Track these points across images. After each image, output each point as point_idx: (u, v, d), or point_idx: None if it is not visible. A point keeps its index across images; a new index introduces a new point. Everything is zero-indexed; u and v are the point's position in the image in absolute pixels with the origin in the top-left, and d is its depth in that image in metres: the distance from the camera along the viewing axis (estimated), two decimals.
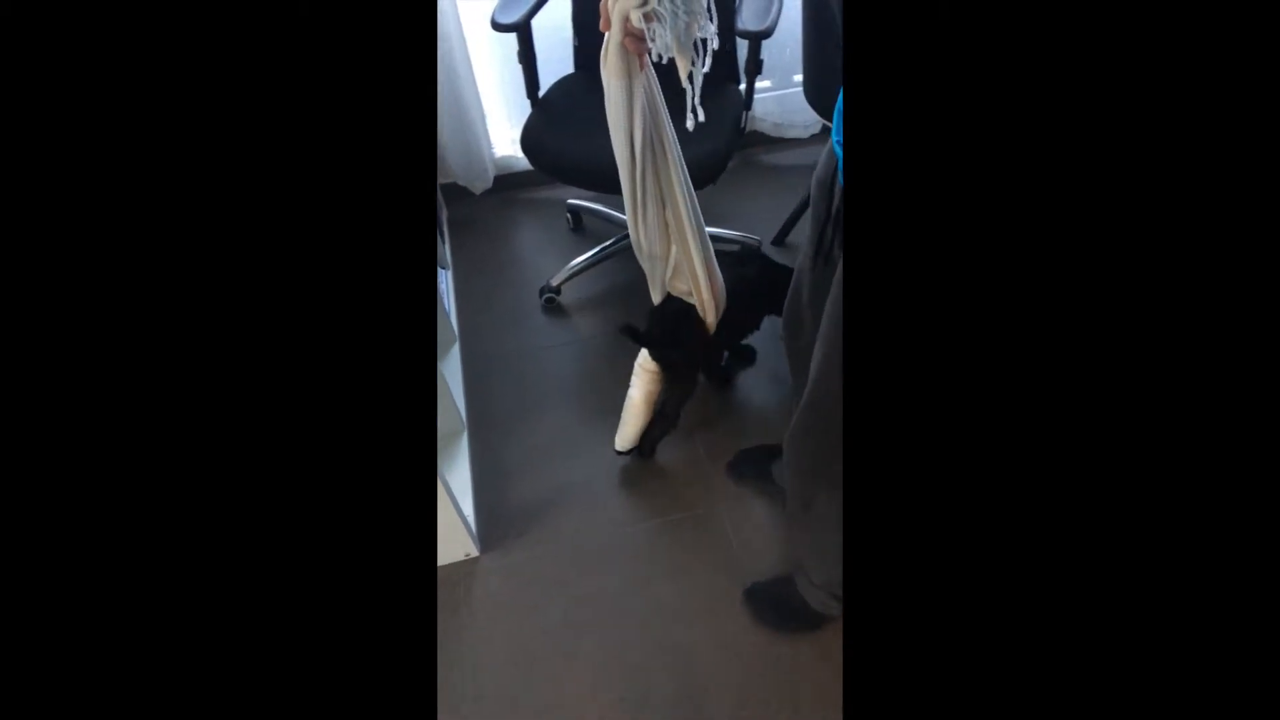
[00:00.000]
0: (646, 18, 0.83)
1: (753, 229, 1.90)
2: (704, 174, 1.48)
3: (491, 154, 2.07)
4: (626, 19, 0.84)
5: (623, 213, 1.93)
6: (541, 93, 1.65)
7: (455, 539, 1.32)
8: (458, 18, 1.75)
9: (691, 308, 1.27)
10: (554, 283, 1.80)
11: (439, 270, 1.78)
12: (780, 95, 2.16)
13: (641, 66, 0.91)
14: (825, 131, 2.22)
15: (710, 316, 1.27)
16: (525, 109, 1.63)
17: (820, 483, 0.97)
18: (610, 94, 0.93)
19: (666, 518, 1.41)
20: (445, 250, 1.94)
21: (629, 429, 1.46)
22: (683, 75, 0.91)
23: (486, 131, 2.02)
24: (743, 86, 1.60)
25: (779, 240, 1.92)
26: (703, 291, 1.22)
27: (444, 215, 2.03)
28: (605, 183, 1.54)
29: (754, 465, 1.45)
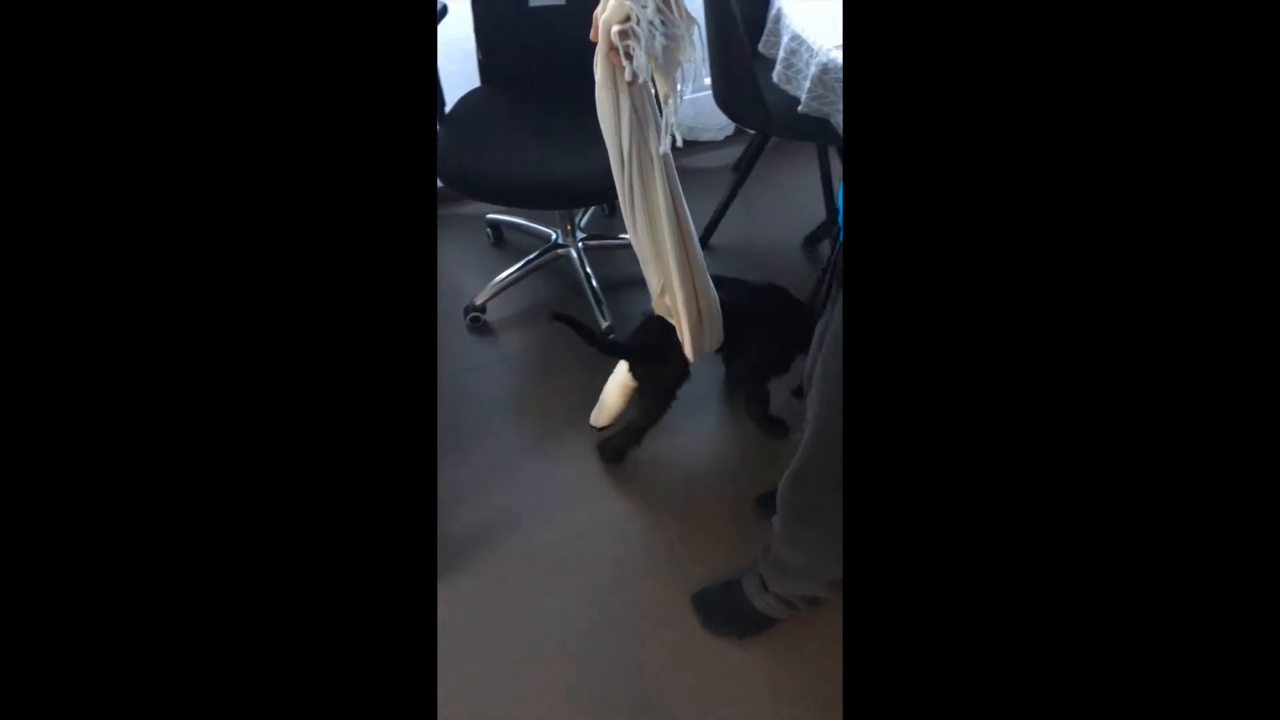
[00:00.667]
0: (623, 34, 0.83)
1: None
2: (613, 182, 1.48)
3: None
4: (610, 32, 0.84)
5: (544, 225, 1.92)
6: (447, 109, 1.61)
7: None
8: None
9: (672, 330, 1.21)
10: (478, 301, 1.76)
11: None
12: (693, 99, 2.17)
13: (625, 82, 0.90)
14: (739, 134, 2.25)
15: (689, 344, 1.20)
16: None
17: (806, 525, 1.00)
18: (598, 103, 0.93)
19: (610, 532, 1.39)
20: None
21: (605, 409, 1.45)
22: (661, 96, 0.92)
23: None
24: None
25: (703, 241, 1.94)
26: (683, 317, 1.16)
27: None
28: (524, 198, 1.52)
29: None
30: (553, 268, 1.86)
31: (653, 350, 1.29)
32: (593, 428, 1.51)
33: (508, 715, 1.17)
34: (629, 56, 0.84)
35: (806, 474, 0.94)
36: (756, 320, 1.29)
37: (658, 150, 0.95)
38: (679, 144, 0.93)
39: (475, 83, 1.71)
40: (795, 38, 1.35)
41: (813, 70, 1.30)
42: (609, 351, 1.39)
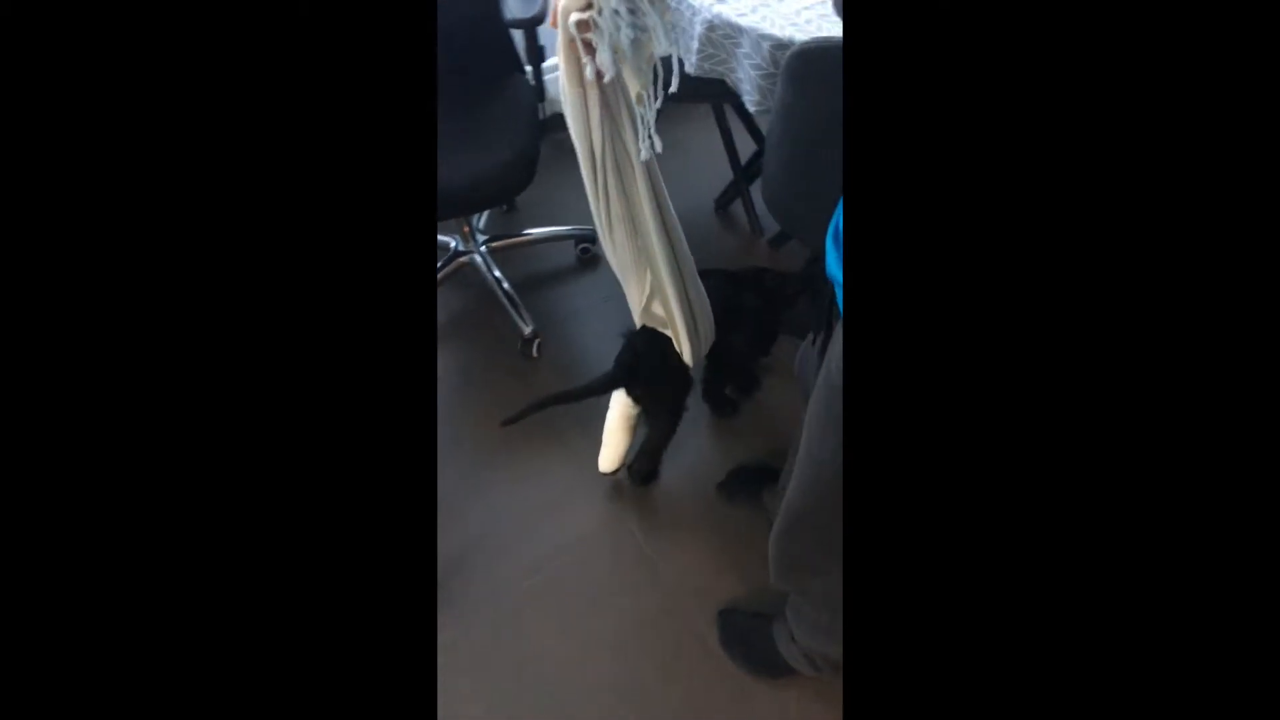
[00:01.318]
0: (582, 25, 0.68)
1: (584, 219, 1.80)
2: (517, 178, 1.37)
3: None
4: (569, 21, 0.70)
5: (441, 234, 1.78)
6: None
7: None
8: None
9: (667, 340, 1.12)
10: None
11: None
12: None
13: (588, 79, 0.75)
14: None
15: (688, 351, 1.12)
16: None
17: (805, 574, 0.94)
18: (564, 101, 0.78)
19: (576, 553, 1.31)
20: None
21: (609, 450, 1.34)
22: (633, 96, 0.77)
23: None
24: (530, 75, 1.48)
25: None
26: (678, 324, 1.08)
27: None
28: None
29: (746, 485, 1.35)
30: (458, 277, 1.73)
31: (648, 367, 1.18)
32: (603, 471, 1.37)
33: None
34: (591, 50, 0.70)
35: (799, 530, 0.87)
36: (740, 310, 1.21)
37: (638, 156, 0.82)
38: (658, 149, 0.80)
39: None
40: None
41: (698, 29, 1.21)
42: (601, 390, 1.25)
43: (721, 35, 1.19)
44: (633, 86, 0.76)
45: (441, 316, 1.70)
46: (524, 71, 1.53)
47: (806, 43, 0.99)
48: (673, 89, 0.76)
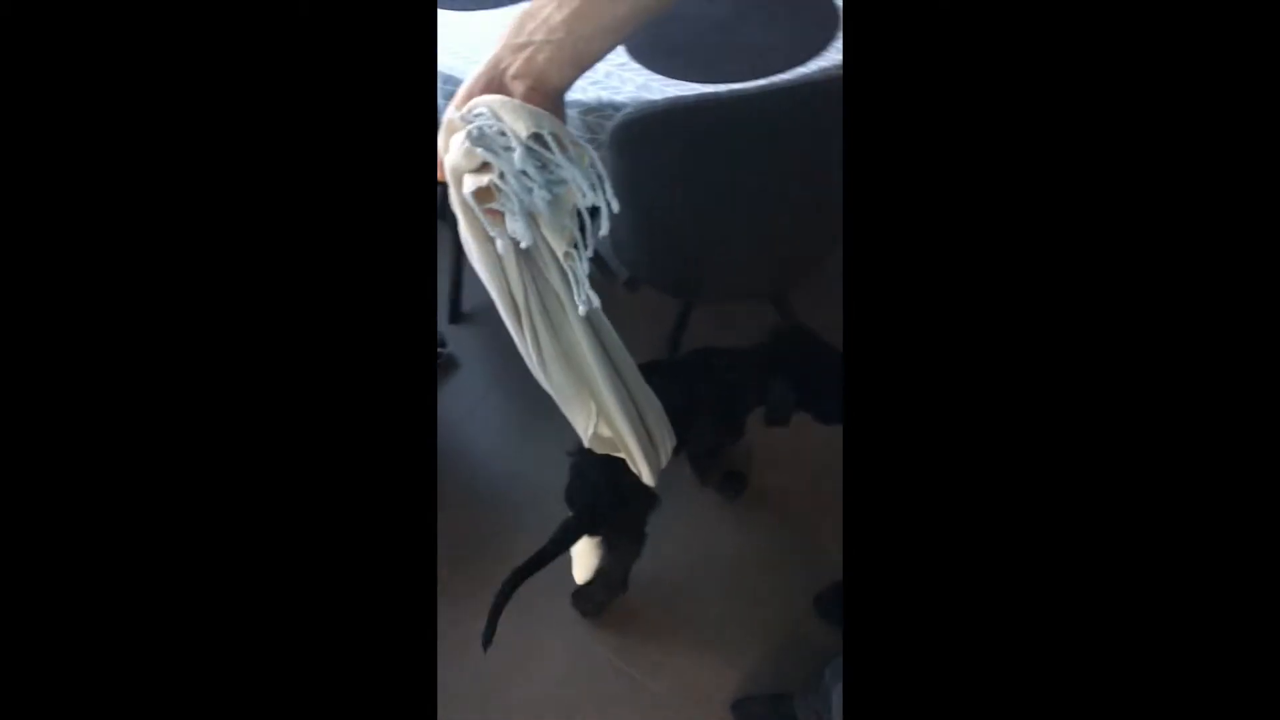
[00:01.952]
0: (482, 194, 0.53)
1: None
2: None
3: None
4: (463, 190, 0.54)
5: None
6: None
7: None
8: None
9: (621, 461, 0.96)
10: None
11: None
12: None
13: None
14: None
15: (646, 472, 0.94)
16: None
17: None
18: (470, 256, 0.61)
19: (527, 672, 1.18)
20: None
21: (581, 562, 1.22)
22: (559, 254, 0.61)
23: None
24: None
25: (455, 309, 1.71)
26: (631, 446, 0.90)
27: None
28: None
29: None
30: None
31: (602, 499, 1.04)
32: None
33: None
34: (497, 218, 0.55)
35: None
36: (693, 400, 1.09)
37: (575, 311, 0.66)
38: (595, 304, 0.65)
39: None
40: None
41: None
42: (567, 546, 1.08)
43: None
44: (558, 246, 0.60)
45: None
46: None
47: (629, 112, 0.91)
48: (603, 232, 0.61)
